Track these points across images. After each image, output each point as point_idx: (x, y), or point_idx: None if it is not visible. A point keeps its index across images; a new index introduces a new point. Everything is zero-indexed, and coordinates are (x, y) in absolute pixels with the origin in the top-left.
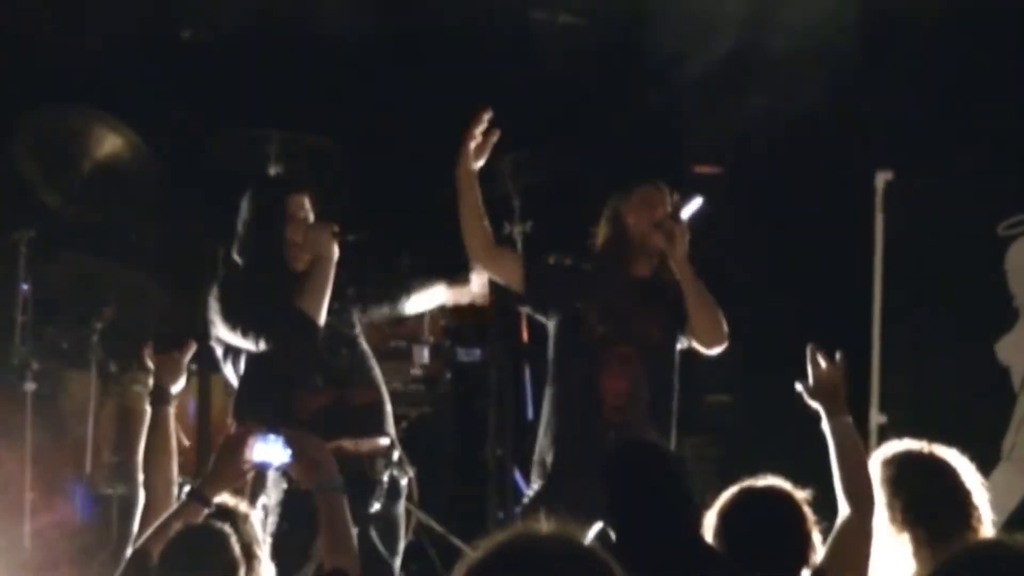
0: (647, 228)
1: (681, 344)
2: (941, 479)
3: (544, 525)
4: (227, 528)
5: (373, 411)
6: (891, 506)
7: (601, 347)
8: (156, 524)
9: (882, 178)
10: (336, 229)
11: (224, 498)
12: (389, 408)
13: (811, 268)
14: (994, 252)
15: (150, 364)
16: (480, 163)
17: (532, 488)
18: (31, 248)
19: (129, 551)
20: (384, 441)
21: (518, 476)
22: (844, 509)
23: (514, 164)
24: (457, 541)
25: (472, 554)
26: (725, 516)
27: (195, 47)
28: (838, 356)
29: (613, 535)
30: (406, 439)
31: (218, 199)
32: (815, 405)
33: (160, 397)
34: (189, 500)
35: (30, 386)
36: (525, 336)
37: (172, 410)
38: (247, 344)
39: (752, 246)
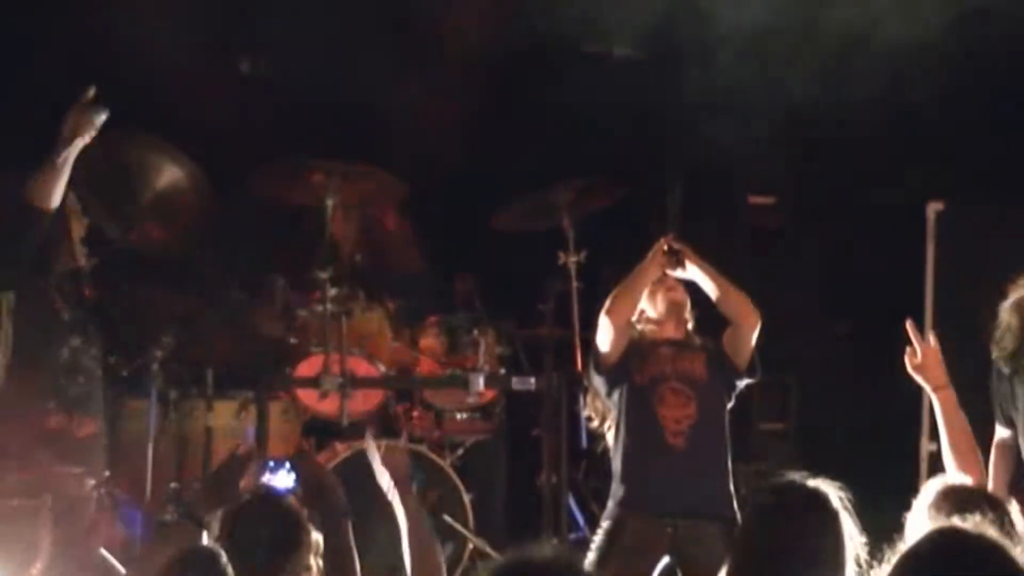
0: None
1: (732, 384)
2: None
3: (545, 548)
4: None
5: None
6: None
7: (653, 386)
8: None
9: (933, 208)
10: None
11: None
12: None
13: (862, 298)
14: None
15: None
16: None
17: (602, 525)
18: (92, 277)
19: None
20: None
21: (573, 503)
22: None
23: (568, 194)
24: None
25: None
26: None
27: (253, 79)
28: (931, 338)
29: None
30: (461, 466)
31: (269, 229)
32: (920, 379)
33: None
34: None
35: None
36: (580, 365)
37: None
38: None
39: (804, 276)
